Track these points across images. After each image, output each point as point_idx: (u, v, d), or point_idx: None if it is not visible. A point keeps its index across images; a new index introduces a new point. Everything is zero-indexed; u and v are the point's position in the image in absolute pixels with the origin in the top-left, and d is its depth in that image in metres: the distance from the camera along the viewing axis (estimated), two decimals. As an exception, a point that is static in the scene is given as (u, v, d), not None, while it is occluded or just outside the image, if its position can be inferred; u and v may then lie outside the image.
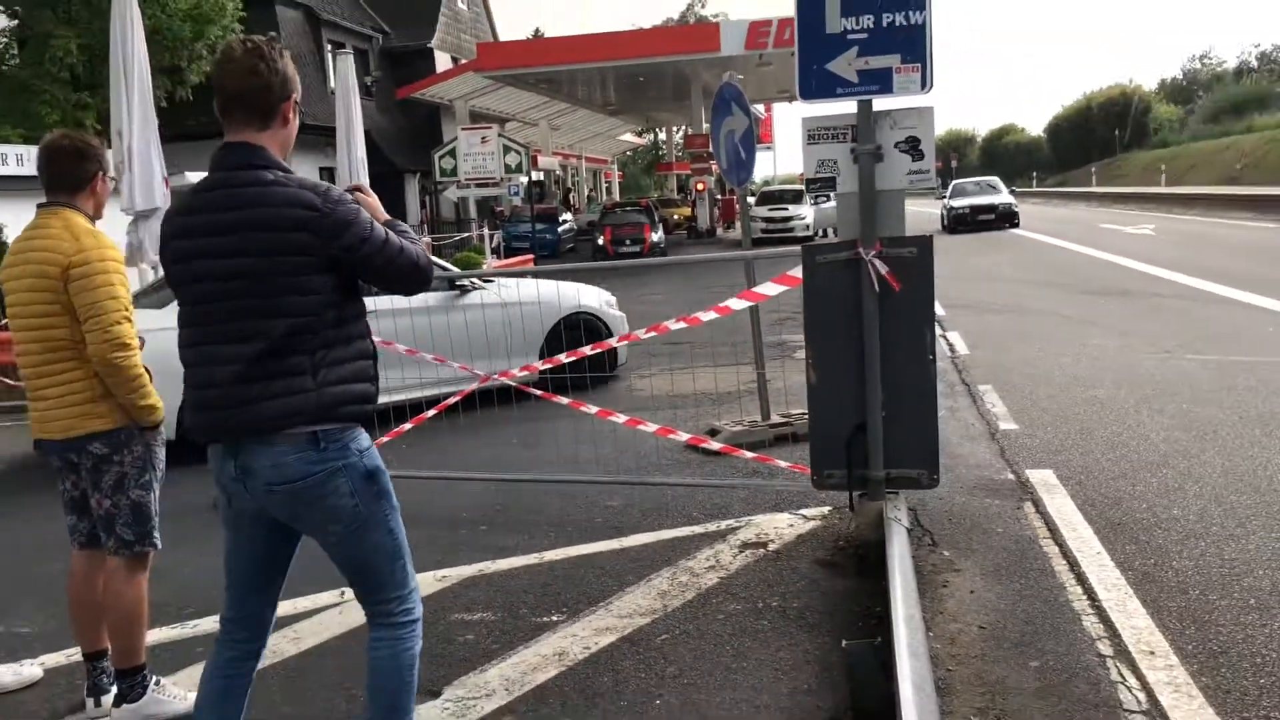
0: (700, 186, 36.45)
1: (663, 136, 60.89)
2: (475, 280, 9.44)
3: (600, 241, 29.49)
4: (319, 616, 4.60)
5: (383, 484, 2.80)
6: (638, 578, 4.87)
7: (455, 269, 10.31)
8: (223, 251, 2.64)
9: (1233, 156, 48.59)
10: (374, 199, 3.01)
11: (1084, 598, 4.26)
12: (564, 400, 6.58)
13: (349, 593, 3.32)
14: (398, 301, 8.54)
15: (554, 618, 4.46)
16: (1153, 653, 3.70)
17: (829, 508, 5.59)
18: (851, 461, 5.06)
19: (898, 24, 4.79)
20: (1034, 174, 71.81)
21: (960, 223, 30.83)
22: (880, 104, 4.98)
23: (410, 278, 2.81)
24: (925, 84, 4.82)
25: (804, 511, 5.65)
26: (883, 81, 4.85)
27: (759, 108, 41.46)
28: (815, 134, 5.11)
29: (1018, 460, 6.31)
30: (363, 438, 2.78)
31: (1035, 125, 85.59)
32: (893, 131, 4.98)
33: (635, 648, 4.11)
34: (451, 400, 6.87)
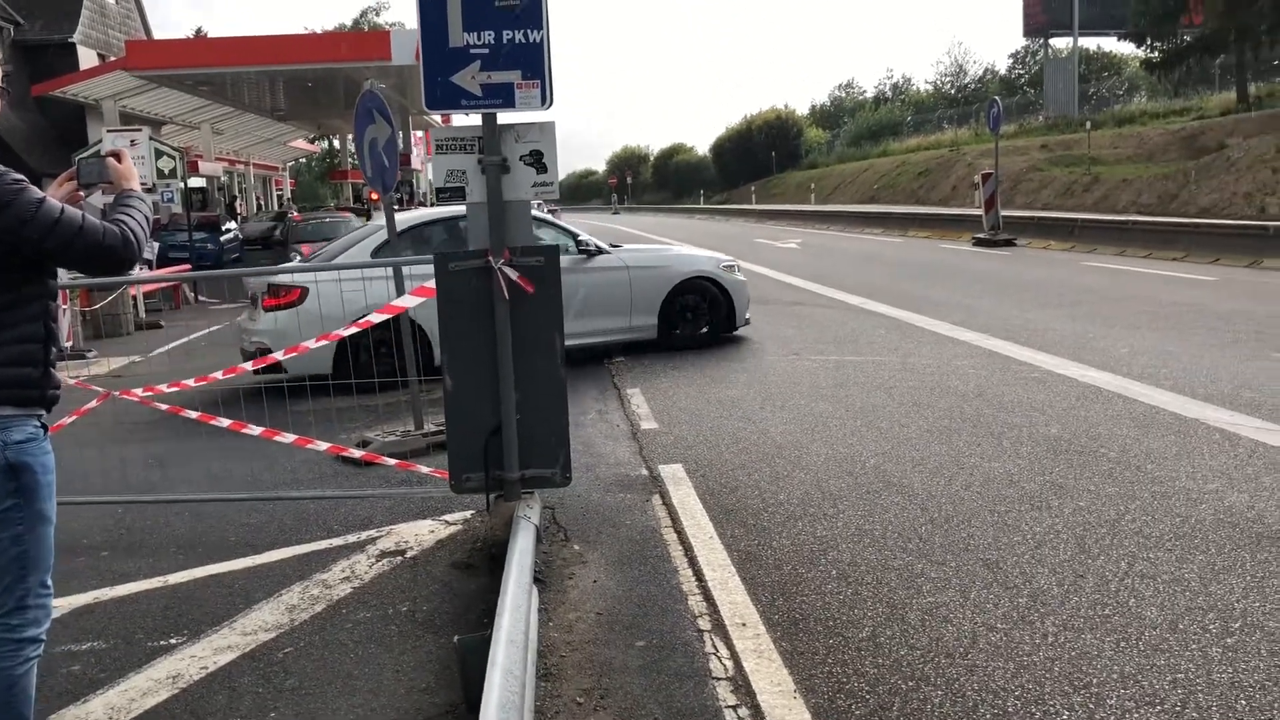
0: (374, 195, 35.67)
1: (337, 144, 59.12)
2: (600, 244, 10.42)
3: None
4: None
5: (25, 483, 2.62)
6: (267, 594, 4.74)
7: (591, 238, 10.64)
8: None
9: (871, 177, 53.53)
10: (127, 165, 2.95)
11: (693, 579, 4.60)
12: (225, 422, 6.23)
13: None
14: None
15: (173, 641, 4.27)
16: (744, 624, 4.05)
17: (471, 512, 5.69)
18: (488, 464, 5.18)
19: (518, 41, 4.96)
20: (701, 191, 75.88)
21: None
22: (506, 118, 5.15)
23: (95, 260, 2.69)
24: (545, 100, 5.02)
25: (446, 517, 5.71)
26: (505, 96, 5.01)
27: (436, 117, 41.20)
28: (444, 144, 5.20)
29: (653, 457, 6.69)
30: (23, 429, 2.60)
31: (703, 145, 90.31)
32: (518, 145, 5.16)
33: (256, 664, 4.01)
34: (71, 418, 6.37)
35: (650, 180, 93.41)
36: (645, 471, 6.41)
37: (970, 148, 45.92)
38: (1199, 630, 3.78)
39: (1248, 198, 24.16)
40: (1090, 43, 57.37)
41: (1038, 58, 62.09)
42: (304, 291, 9.38)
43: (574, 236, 10.44)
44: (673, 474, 6.26)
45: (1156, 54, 39.78)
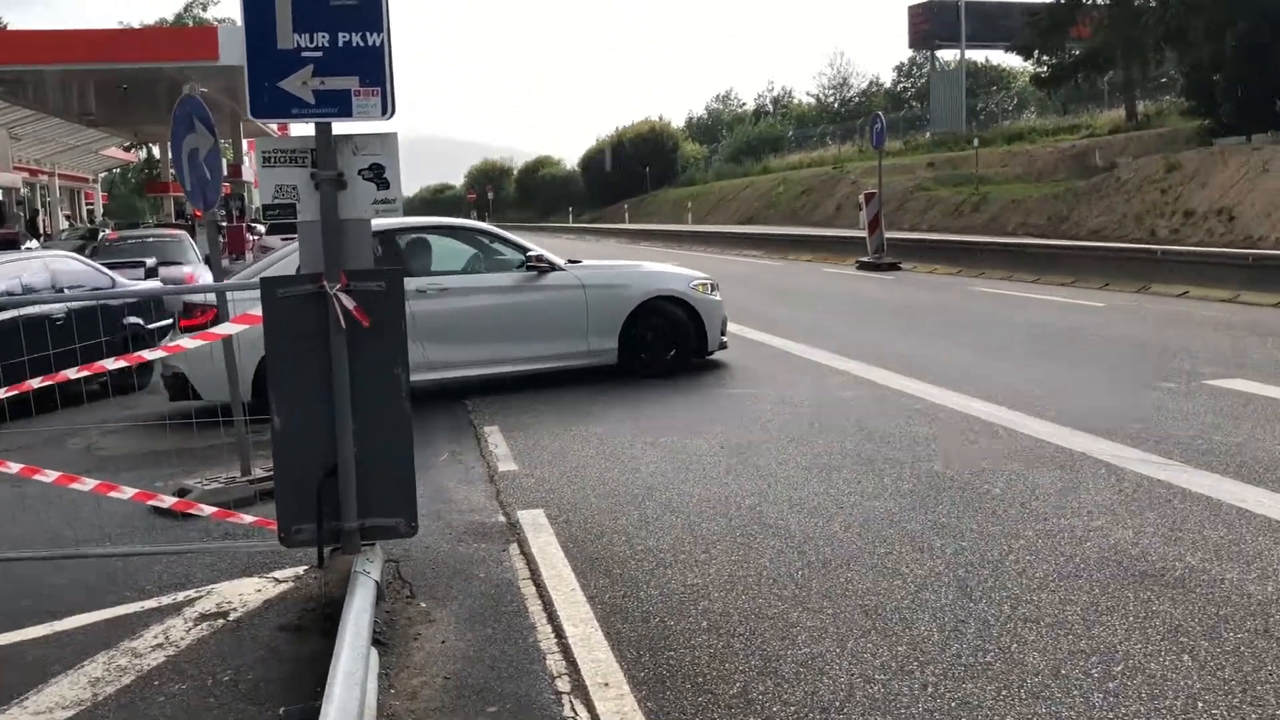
0: (198, 212, 34.69)
1: (156, 152, 57.37)
2: (553, 260, 10.49)
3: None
4: None
5: None
6: (67, 666, 4.55)
7: (532, 245, 10.87)
8: None
9: (751, 195, 54.68)
10: None
11: (552, 636, 4.60)
12: (14, 468, 5.94)
13: None
14: (471, 280, 10.32)
15: (-52, 726, 4.05)
16: (606, 684, 4.07)
17: (303, 568, 5.57)
18: (323, 513, 5.09)
19: (355, 44, 4.94)
20: (570, 208, 76.19)
21: None
22: (342, 128, 5.11)
23: None
24: (386, 109, 5.01)
25: (275, 574, 5.58)
26: (341, 104, 4.98)
27: (274, 126, 40.40)
28: (272, 157, 5.13)
29: (511, 502, 6.67)
30: None
31: (572, 158, 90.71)
32: (356, 158, 5.12)
33: (49, 748, 3.84)
34: None
35: (514, 196, 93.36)
36: (502, 518, 6.38)
37: (854, 165, 47.39)
38: (1081, 675, 3.95)
39: (1138, 219, 25.55)
40: (978, 55, 59.93)
41: (924, 70, 64.51)
42: (220, 312, 9.24)
43: (523, 251, 10.50)
44: (533, 520, 6.25)
45: (1045, 68, 41.78)
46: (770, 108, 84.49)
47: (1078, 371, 10.14)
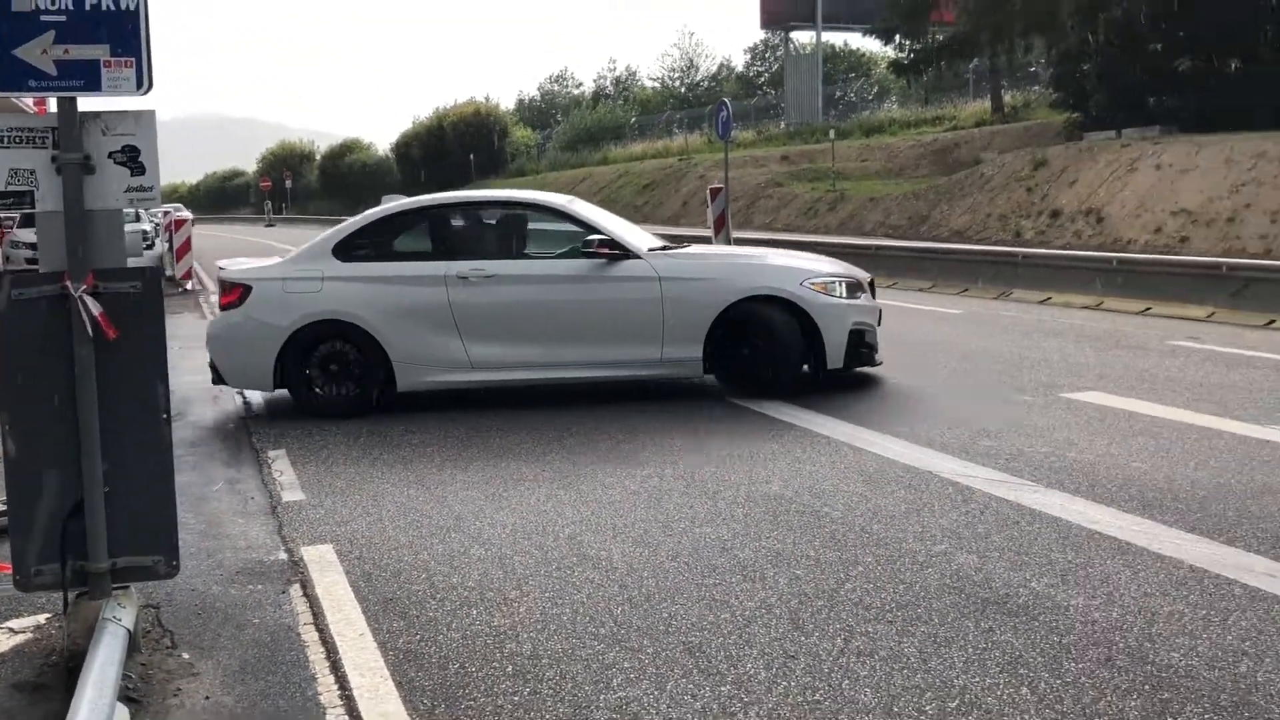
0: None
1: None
2: (624, 245, 9.92)
3: None
4: None
5: None
6: None
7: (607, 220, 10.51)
8: None
9: (590, 188, 54.97)
10: None
11: (335, 687, 4.56)
12: None
13: None
14: (522, 266, 10.02)
15: None
16: (394, 739, 4.06)
17: (46, 615, 5.38)
18: (67, 552, 4.93)
19: (105, 7, 4.82)
20: (383, 199, 75.19)
21: None
22: (90, 104, 4.98)
23: None
24: (143, 83, 4.90)
25: (11, 624, 5.38)
26: (89, 76, 4.85)
27: (27, 101, 38.76)
28: (5, 136, 4.94)
29: (295, 537, 6.58)
30: None
31: (385, 142, 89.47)
32: (106, 139, 4.98)
33: None
34: None
35: (317, 184, 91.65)
36: (284, 555, 6.29)
37: (703, 157, 48.14)
38: (914, 712, 4.13)
39: (1003, 220, 26.67)
40: (836, 38, 61.59)
41: (778, 54, 65.97)
42: (245, 290, 9.90)
43: (591, 230, 10.00)
44: (320, 557, 6.18)
45: (906, 54, 43.25)
46: (611, 90, 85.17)
47: (930, 384, 10.53)
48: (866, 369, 10.49)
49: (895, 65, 45.79)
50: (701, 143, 53.59)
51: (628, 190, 50.27)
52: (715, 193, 25.48)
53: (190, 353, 11.87)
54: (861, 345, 10.05)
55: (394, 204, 11.28)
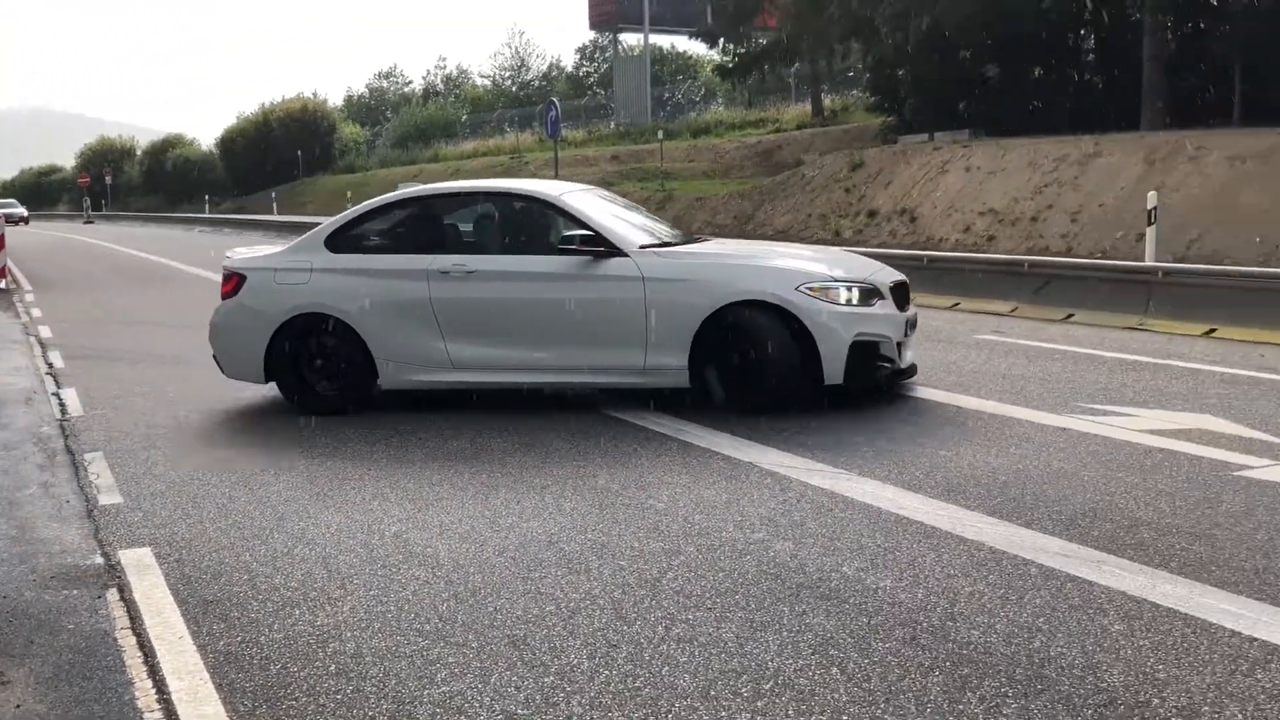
0: None
1: None
2: (610, 242, 9.17)
3: None
4: None
5: None
6: None
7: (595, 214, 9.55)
8: None
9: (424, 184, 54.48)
10: None
11: (153, 691, 4.45)
12: None
13: None
14: (503, 262, 9.48)
15: None
16: (214, 742, 3.99)
17: None
18: None
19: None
20: (207, 196, 73.12)
21: None
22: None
23: None
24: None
25: None
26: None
27: None
28: None
29: (113, 540, 6.39)
30: None
31: (208, 138, 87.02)
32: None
33: None
34: None
35: (139, 180, 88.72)
36: (100, 559, 6.10)
37: (535, 155, 48.16)
38: (730, 695, 4.23)
39: (823, 219, 27.34)
40: (664, 41, 62.28)
41: (607, 55, 66.34)
42: (240, 280, 9.80)
43: (577, 224, 9.22)
44: (138, 560, 6.02)
45: (731, 58, 44.01)
46: (441, 88, 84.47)
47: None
48: (908, 383, 9.73)
49: (719, 69, 46.54)
50: (533, 141, 53.62)
51: (458, 188, 49.89)
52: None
53: (3, 353, 11.40)
54: (874, 359, 8.97)
55: (390, 194, 10.74)
